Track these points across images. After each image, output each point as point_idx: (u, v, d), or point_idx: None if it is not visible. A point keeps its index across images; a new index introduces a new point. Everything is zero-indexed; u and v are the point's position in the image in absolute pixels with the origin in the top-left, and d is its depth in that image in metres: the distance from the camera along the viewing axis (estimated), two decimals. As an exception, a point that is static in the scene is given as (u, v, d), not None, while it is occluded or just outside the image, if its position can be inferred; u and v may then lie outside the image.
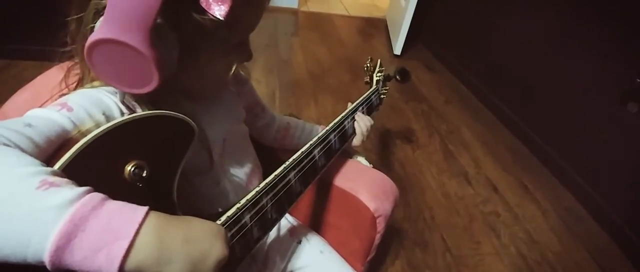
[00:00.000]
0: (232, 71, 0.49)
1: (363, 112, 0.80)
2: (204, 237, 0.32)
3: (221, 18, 0.36)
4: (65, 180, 0.29)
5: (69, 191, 0.27)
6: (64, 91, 0.47)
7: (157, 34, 0.34)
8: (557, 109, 1.67)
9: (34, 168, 0.28)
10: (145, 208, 0.29)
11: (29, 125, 0.33)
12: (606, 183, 1.43)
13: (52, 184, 0.27)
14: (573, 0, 1.59)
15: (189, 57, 0.41)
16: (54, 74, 0.56)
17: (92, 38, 0.33)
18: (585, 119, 1.54)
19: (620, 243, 1.34)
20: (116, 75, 0.36)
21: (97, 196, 0.28)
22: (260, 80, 1.96)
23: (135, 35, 0.33)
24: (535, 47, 1.81)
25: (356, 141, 0.77)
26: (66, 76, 0.45)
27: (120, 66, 0.35)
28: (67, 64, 0.45)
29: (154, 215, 0.30)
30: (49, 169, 0.29)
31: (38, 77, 0.59)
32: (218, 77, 0.50)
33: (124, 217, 0.28)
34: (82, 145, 0.31)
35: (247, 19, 0.45)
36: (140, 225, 0.28)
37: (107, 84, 0.42)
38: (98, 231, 0.26)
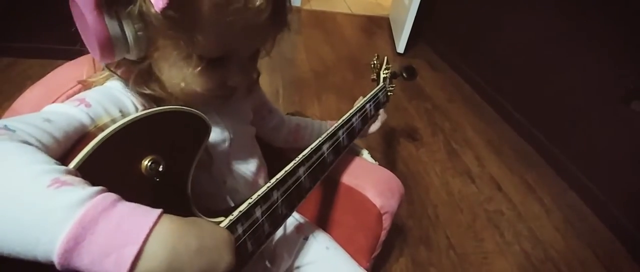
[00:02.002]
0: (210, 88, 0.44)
1: (371, 109, 0.81)
2: (214, 246, 0.32)
3: (157, 11, 0.34)
4: (79, 179, 0.28)
5: (81, 190, 0.27)
6: (76, 88, 0.47)
7: (108, 6, 0.35)
8: (561, 107, 1.67)
9: (46, 166, 0.28)
10: (158, 211, 0.29)
11: (48, 120, 0.34)
12: (610, 181, 1.43)
13: (64, 183, 0.27)
14: (578, -2, 1.60)
15: (150, 51, 0.40)
16: (65, 71, 0.57)
17: None
18: (590, 117, 1.53)
19: (624, 241, 1.34)
20: (84, 36, 0.38)
21: (109, 197, 0.27)
22: (264, 78, 1.95)
23: None
24: (539, 45, 1.80)
25: (374, 127, 0.84)
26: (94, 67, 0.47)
27: (82, 28, 0.37)
28: (81, 60, 0.45)
29: (166, 219, 0.29)
30: (62, 167, 0.29)
31: (49, 74, 0.59)
32: (182, 88, 0.43)
33: (135, 221, 0.27)
34: (100, 139, 0.32)
35: (220, 37, 0.40)
36: (151, 230, 0.27)
37: (119, 80, 0.43)
38: (107, 235, 0.26)
